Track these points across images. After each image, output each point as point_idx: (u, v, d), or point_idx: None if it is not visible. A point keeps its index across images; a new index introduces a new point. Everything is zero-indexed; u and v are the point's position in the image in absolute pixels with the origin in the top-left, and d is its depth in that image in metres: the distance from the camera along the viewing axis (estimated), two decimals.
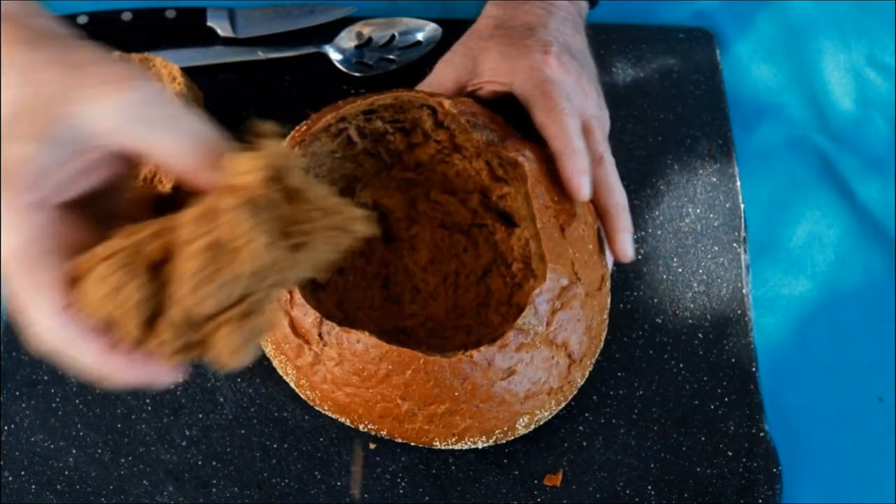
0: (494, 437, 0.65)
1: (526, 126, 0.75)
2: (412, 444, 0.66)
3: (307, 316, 0.63)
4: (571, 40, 0.74)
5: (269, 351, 0.67)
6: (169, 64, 0.76)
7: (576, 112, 0.69)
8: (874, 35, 0.89)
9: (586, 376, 0.68)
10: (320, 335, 0.63)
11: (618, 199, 0.69)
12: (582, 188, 0.66)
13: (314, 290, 0.72)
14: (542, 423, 0.66)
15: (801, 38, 0.89)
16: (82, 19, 0.82)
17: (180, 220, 0.44)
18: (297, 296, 0.63)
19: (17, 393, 0.70)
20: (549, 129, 0.68)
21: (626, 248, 0.68)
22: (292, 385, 0.67)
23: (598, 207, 0.69)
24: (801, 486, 0.71)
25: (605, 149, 0.70)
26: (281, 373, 0.67)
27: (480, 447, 0.66)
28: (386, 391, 0.62)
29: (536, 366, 0.63)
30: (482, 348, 0.62)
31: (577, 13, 0.77)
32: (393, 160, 0.74)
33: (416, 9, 0.91)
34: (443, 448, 0.65)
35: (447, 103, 0.69)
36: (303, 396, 0.67)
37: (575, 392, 0.68)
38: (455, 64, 0.74)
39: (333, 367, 0.63)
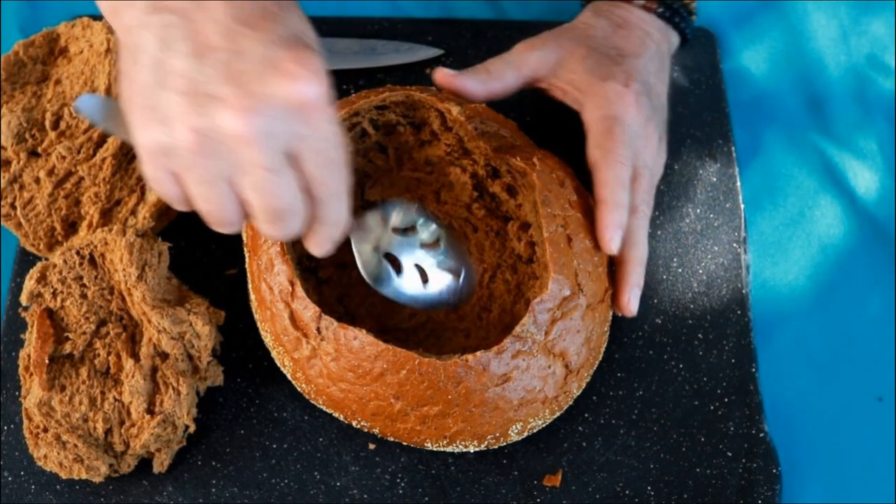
0: (486, 443, 0.65)
1: (537, 130, 0.75)
2: (405, 443, 0.66)
3: (307, 310, 0.63)
4: (654, 80, 0.75)
5: (269, 342, 0.67)
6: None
7: (630, 161, 0.69)
8: (874, 35, 0.89)
9: (583, 387, 0.68)
10: (318, 330, 0.63)
11: (638, 252, 0.69)
12: (612, 242, 0.67)
13: (317, 284, 0.72)
14: (535, 431, 0.67)
15: (801, 38, 0.89)
16: None
17: None
18: (299, 289, 0.64)
19: (17, 393, 0.70)
20: (600, 173, 0.69)
21: (633, 303, 0.69)
22: (289, 377, 0.67)
23: (617, 256, 0.69)
24: (801, 486, 0.71)
25: (643, 201, 0.70)
26: (278, 363, 0.67)
27: (472, 451, 0.66)
28: (380, 389, 0.62)
29: (532, 374, 0.63)
30: (478, 353, 0.62)
31: (666, 50, 0.78)
32: (403, 157, 0.74)
33: (416, 9, 0.91)
34: (436, 450, 0.65)
35: (455, 110, 0.69)
36: (298, 389, 0.67)
37: (571, 402, 0.68)
38: (539, 53, 0.74)
39: (330, 363, 0.63)
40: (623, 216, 0.67)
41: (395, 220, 0.66)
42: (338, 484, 0.68)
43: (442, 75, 0.73)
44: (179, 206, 0.56)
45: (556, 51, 0.74)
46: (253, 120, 0.50)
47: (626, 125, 0.70)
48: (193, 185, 0.53)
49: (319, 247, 0.58)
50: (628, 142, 0.70)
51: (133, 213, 0.72)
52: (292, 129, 0.52)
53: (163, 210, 0.73)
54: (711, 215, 0.79)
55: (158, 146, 0.52)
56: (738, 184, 0.80)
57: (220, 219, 0.56)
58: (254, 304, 0.68)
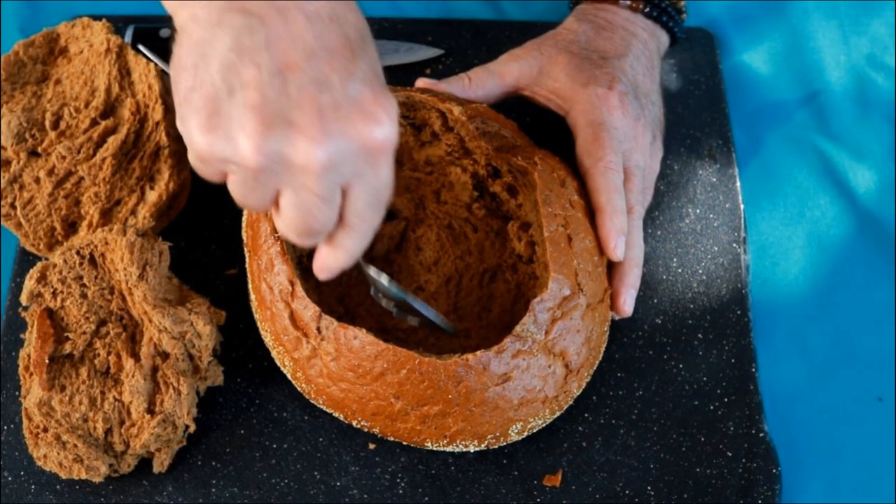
0: (486, 442, 0.65)
1: (539, 131, 0.76)
2: (405, 443, 0.66)
3: (307, 309, 0.63)
4: (641, 80, 0.75)
5: (269, 341, 0.67)
6: (112, 36, 0.76)
7: (620, 166, 0.70)
8: (874, 35, 0.89)
9: (583, 387, 0.68)
10: (319, 329, 0.63)
11: (634, 253, 0.69)
12: (617, 249, 0.67)
13: (317, 284, 0.72)
14: (535, 430, 0.67)
15: (801, 38, 0.89)
16: (165, 33, 0.83)
17: None
18: (299, 289, 0.64)
19: (17, 393, 0.70)
20: (593, 181, 0.69)
21: (628, 304, 0.69)
22: (289, 376, 0.67)
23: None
24: (800, 486, 0.71)
25: (637, 201, 0.70)
26: (278, 363, 0.67)
27: (472, 451, 0.66)
28: (380, 389, 0.62)
29: (533, 373, 0.63)
30: (478, 352, 0.62)
31: (655, 49, 0.78)
32: (403, 157, 0.74)
33: (416, 9, 0.91)
34: (436, 449, 0.65)
35: (456, 110, 0.69)
36: (298, 389, 0.67)
37: (571, 402, 0.68)
38: (521, 63, 0.75)
39: (330, 362, 0.63)
40: (623, 221, 0.68)
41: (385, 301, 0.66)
42: (338, 484, 0.68)
43: (423, 83, 0.74)
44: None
45: (537, 59, 0.75)
46: (324, 154, 0.50)
47: (613, 128, 0.70)
48: (238, 185, 0.53)
49: (326, 270, 0.58)
50: (616, 146, 0.70)
51: (133, 212, 0.72)
52: (357, 167, 0.52)
53: (163, 210, 0.73)
54: (711, 215, 0.79)
55: (215, 154, 0.51)
56: (738, 184, 0.80)
57: (250, 208, 0.56)
58: (254, 304, 0.68)
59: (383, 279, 0.64)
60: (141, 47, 0.68)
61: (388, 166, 0.53)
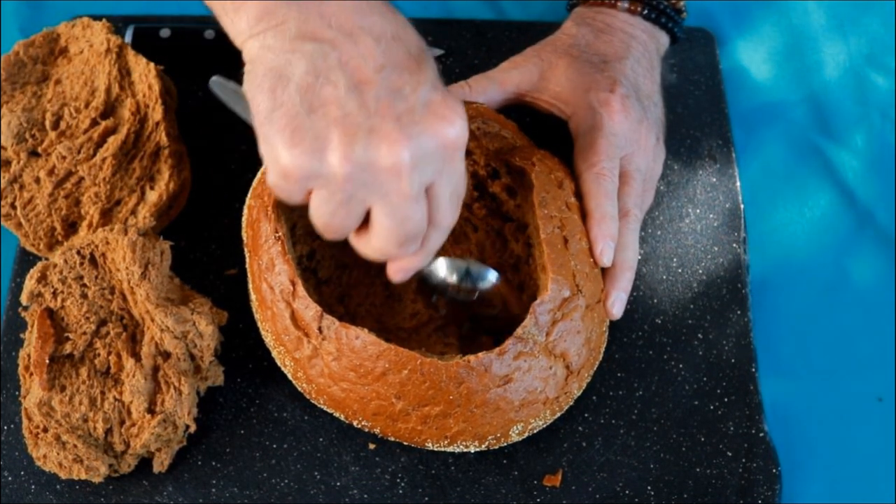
0: (487, 443, 0.65)
1: (539, 132, 0.76)
2: (405, 443, 0.66)
3: (308, 309, 0.63)
4: (642, 81, 0.75)
5: (269, 341, 0.67)
6: (112, 36, 0.76)
7: (615, 170, 0.70)
8: (874, 35, 0.89)
9: (583, 388, 0.68)
10: (320, 329, 0.63)
11: (627, 257, 0.69)
12: (603, 254, 0.68)
13: (317, 284, 0.72)
14: (535, 431, 0.67)
15: (801, 38, 0.89)
16: (165, 33, 0.82)
17: None
18: (300, 288, 0.64)
19: (17, 393, 0.70)
20: (584, 185, 0.69)
21: (617, 306, 0.69)
22: (289, 376, 0.67)
23: None
24: (800, 486, 0.71)
25: (635, 204, 0.71)
26: (279, 363, 0.67)
27: (473, 451, 0.66)
28: (381, 389, 0.62)
29: (534, 375, 0.63)
30: (480, 354, 0.62)
31: (654, 50, 0.78)
32: None
33: (416, 9, 0.91)
34: (436, 450, 0.65)
35: None
36: (299, 389, 0.67)
37: (571, 403, 0.68)
38: (521, 70, 0.75)
39: (331, 362, 0.63)
40: (611, 227, 0.68)
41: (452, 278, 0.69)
42: (338, 484, 0.68)
43: None
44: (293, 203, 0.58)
45: (537, 65, 0.75)
46: (408, 154, 0.52)
47: (612, 134, 0.71)
48: (325, 203, 0.55)
49: (405, 273, 0.61)
50: (612, 152, 0.70)
51: (133, 213, 0.72)
52: (436, 165, 0.54)
53: (163, 210, 0.73)
54: (711, 215, 0.79)
55: (305, 170, 0.53)
56: (738, 184, 0.80)
57: (335, 230, 0.57)
58: (254, 304, 0.68)
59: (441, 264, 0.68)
60: (216, 80, 0.68)
61: (462, 161, 0.56)
